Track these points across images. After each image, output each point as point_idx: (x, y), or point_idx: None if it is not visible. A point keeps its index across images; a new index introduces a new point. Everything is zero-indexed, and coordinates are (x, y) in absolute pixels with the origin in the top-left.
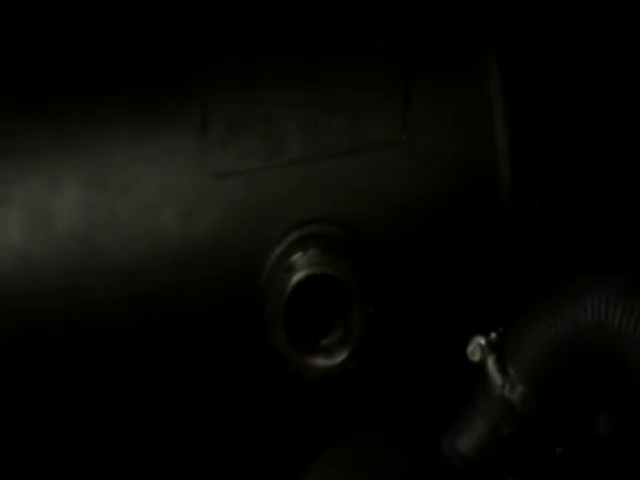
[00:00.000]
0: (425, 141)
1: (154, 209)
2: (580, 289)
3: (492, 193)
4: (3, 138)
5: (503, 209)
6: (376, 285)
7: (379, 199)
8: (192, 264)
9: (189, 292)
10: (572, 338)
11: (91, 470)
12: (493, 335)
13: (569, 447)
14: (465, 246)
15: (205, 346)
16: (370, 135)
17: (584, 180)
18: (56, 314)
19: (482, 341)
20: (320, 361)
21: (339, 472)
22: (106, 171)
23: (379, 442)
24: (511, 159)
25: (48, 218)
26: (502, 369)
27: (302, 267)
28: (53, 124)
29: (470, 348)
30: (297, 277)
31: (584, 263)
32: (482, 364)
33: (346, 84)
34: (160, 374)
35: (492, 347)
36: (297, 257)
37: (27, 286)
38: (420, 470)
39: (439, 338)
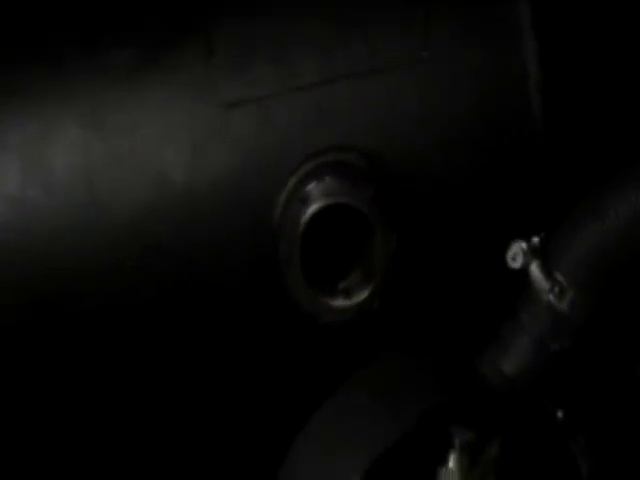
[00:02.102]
0: (449, 60)
1: (157, 147)
2: (626, 183)
3: (523, 112)
4: None
5: (536, 128)
6: (399, 216)
7: (400, 124)
8: (200, 204)
9: (198, 234)
10: (622, 234)
11: (101, 440)
12: (535, 240)
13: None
14: (497, 170)
15: (216, 291)
16: (389, 55)
17: (616, 92)
18: (56, 266)
19: (524, 245)
20: (339, 302)
21: (371, 392)
22: (105, 109)
23: (412, 364)
24: (542, 76)
25: (45, 164)
26: (548, 275)
27: (317, 197)
28: (49, 61)
29: (510, 253)
30: (312, 208)
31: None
32: (525, 270)
33: (362, 1)
34: (170, 324)
35: (535, 252)
36: (312, 187)
37: (24, 237)
38: (457, 391)
39: (467, 273)
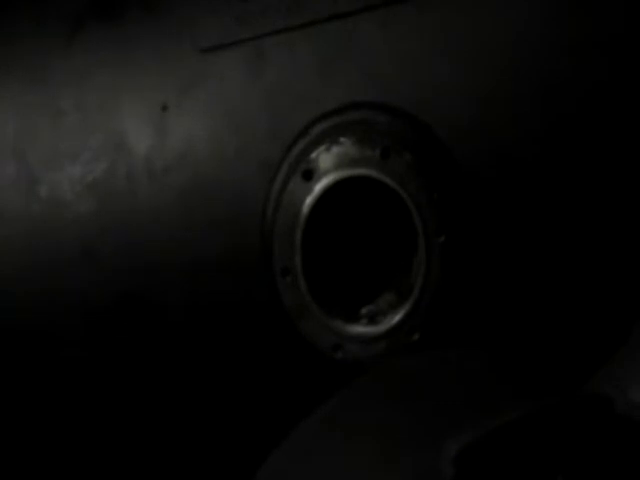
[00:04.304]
0: None
1: (112, 108)
2: None
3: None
4: None
5: None
6: (447, 202)
7: (450, 70)
8: (165, 185)
9: (158, 231)
10: None
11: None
12: None
13: None
14: (600, 129)
15: (187, 306)
16: None
17: None
18: None
19: None
20: (360, 329)
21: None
22: (47, 62)
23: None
24: None
25: None
26: None
27: (328, 169)
28: None
29: None
30: (321, 185)
31: None
32: None
33: None
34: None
35: None
36: (319, 153)
37: None
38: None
39: (549, 284)
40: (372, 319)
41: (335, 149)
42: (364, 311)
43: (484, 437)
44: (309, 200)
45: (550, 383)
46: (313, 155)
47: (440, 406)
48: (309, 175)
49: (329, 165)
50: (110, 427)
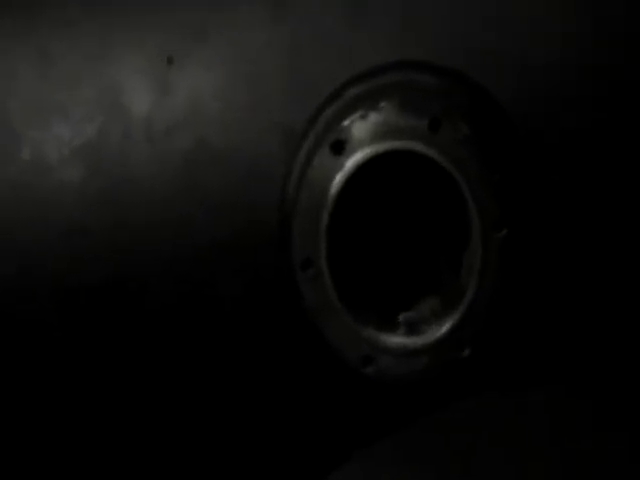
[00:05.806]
0: None
1: (107, 60)
2: None
3: None
4: None
5: None
6: (515, 185)
7: (512, 27)
8: (167, 150)
9: (157, 206)
10: None
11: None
12: None
13: None
14: None
15: (185, 299)
16: None
17: None
18: None
19: None
20: (397, 340)
21: None
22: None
23: None
24: None
25: None
26: None
27: (363, 140)
28: None
29: None
30: (354, 159)
31: None
32: None
33: None
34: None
35: None
36: (353, 120)
37: None
38: None
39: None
40: (412, 328)
41: (373, 116)
42: (402, 318)
43: None
44: (339, 177)
45: None
46: (345, 123)
47: None
48: (340, 147)
49: (364, 136)
50: (89, 419)
